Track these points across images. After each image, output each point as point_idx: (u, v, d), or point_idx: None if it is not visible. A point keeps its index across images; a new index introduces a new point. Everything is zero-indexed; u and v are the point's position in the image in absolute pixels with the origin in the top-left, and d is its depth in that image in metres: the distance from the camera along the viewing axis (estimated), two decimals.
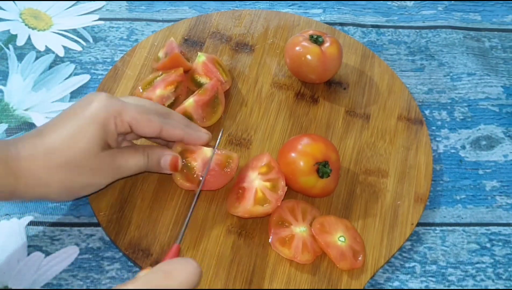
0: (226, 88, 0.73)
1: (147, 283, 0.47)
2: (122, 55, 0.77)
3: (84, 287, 0.60)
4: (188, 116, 0.68)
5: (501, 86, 0.80)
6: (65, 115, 0.57)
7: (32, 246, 0.63)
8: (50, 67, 0.77)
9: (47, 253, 0.62)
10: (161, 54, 0.75)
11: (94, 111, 0.56)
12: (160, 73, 0.71)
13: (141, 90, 0.70)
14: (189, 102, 0.68)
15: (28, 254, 0.62)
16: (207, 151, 0.64)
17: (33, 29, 0.81)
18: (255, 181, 0.63)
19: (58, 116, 0.58)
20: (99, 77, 0.76)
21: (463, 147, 0.74)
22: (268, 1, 0.87)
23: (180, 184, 0.63)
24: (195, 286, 0.49)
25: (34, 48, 0.79)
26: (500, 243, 0.66)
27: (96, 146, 0.56)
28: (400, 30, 0.85)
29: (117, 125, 0.57)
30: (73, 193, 0.59)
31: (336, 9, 0.87)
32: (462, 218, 0.68)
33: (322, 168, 0.62)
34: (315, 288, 0.60)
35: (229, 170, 0.64)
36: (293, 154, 0.63)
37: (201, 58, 0.73)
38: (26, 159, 0.54)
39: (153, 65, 0.74)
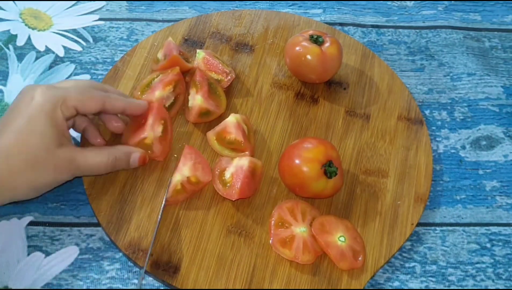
0: (232, 78, 0.73)
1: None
2: (122, 55, 0.77)
3: (84, 287, 0.60)
4: (206, 111, 0.69)
5: (501, 86, 0.80)
6: (11, 113, 0.58)
7: (32, 246, 0.63)
8: (50, 67, 0.77)
9: (47, 253, 0.62)
10: (160, 55, 0.75)
11: (39, 105, 0.58)
12: (157, 74, 0.71)
13: (139, 94, 0.70)
14: (199, 100, 0.69)
15: (28, 254, 0.62)
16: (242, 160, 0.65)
17: (33, 29, 0.81)
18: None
19: (4, 118, 0.59)
20: (99, 77, 0.76)
21: (463, 147, 0.74)
22: (268, 1, 0.87)
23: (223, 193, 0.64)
24: None
25: (34, 48, 0.79)
26: (500, 243, 0.66)
27: (50, 141, 0.57)
28: (400, 30, 0.85)
29: (63, 112, 0.59)
30: (40, 190, 0.60)
31: (336, 9, 0.87)
32: (462, 218, 0.68)
33: (328, 169, 0.62)
34: (315, 288, 0.60)
35: (257, 177, 0.65)
36: (297, 163, 0.62)
37: (200, 54, 0.74)
38: None
39: (152, 66, 0.74)
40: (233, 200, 0.63)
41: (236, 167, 0.64)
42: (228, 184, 0.63)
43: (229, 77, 0.73)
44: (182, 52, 0.75)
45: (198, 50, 0.74)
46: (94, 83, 0.65)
